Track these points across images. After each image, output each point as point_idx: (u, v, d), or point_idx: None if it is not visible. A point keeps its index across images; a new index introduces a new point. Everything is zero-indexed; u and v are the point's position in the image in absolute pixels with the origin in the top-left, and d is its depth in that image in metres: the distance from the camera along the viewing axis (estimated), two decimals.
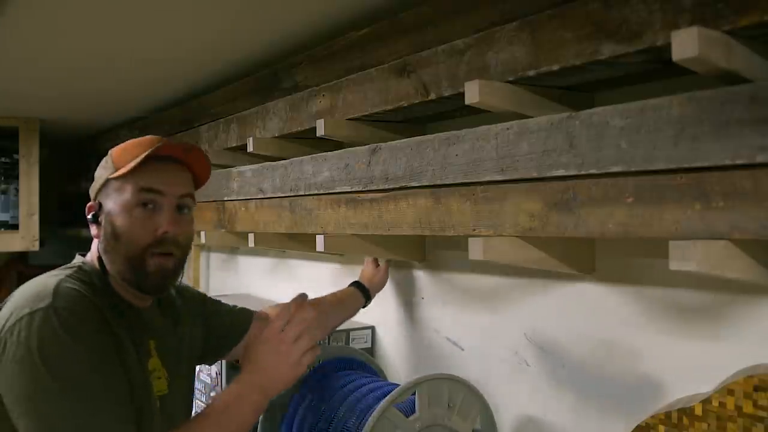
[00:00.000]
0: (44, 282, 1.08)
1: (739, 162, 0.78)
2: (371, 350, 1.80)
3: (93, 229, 1.18)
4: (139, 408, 1.09)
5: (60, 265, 1.18)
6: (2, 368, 1.01)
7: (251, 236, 1.89)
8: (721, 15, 0.81)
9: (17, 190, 3.25)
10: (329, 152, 1.55)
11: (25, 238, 3.24)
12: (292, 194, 1.68)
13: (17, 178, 3.25)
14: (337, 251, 1.70)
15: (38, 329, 1.00)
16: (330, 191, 1.53)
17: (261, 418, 1.54)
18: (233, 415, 1.11)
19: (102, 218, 1.16)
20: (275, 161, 1.76)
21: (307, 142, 1.81)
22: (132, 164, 1.12)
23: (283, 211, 1.73)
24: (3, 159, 3.32)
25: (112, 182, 1.15)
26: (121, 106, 2.76)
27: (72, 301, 1.05)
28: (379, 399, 1.28)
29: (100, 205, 1.17)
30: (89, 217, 1.19)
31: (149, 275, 1.13)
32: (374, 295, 1.66)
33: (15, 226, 3.24)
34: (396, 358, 1.73)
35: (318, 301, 1.54)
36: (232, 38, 1.74)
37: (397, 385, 1.35)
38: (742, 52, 0.82)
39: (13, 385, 1.00)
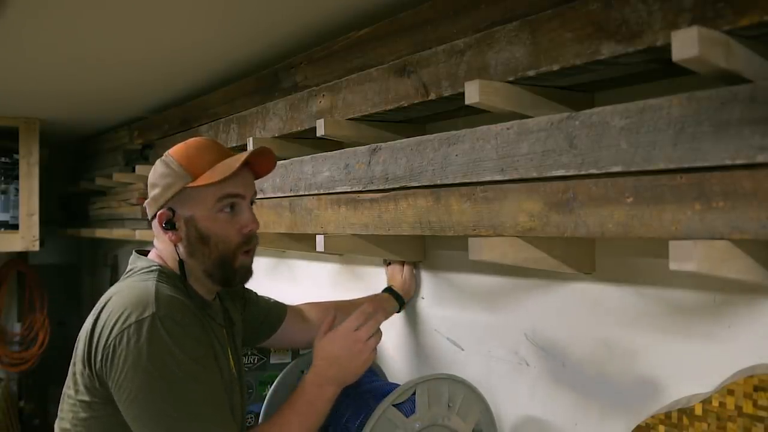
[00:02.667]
0: (143, 288, 1.15)
1: (739, 162, 0.78)
2: None
3: (170, 235, 1.22)
4: (230, 400, 1.20)
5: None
6: (114, 373, 1.09)
7: None
8: (721, 15, 0.81)
9: (17, 190, 3.25)
10: (329, 152, 1.55)
11: (25, 238, 3.24)
12: (292, 194, 1.68)
13: (17, 178, 3.25)
14: (337, 251, 1.70)
15: (147, 338, 1.08)
16: (330, 191, 1.53)
17: (260, 419, 1.54)
18: (313, 405, 1.23)
19: (180, 224, 1.21)
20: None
21: (307, 142, 1.81)
22: (223, 174, 1.16)
23: (283, 211, 1.73)
24: (3, 159, 3.32)
25: (189, 190, 1.20)
26: (121, 106, 2.76)
27: (173, 309, 1.13)
28: (379, 399, 1.28)
29: (173, 212, 1.21)
30: (164, 224, 1.22)
31: (237, 271, 1.24)
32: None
33: (15, 226, 3.24)
34: (396, 358, 1.73)
35: (354, 304, 1.55)
36: (232, 38, 1.74)
37: (397, 385, 1.34)
38: (742, 52, 0.82)
39: (126, 389, 1.09)
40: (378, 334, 1.31)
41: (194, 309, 1.19)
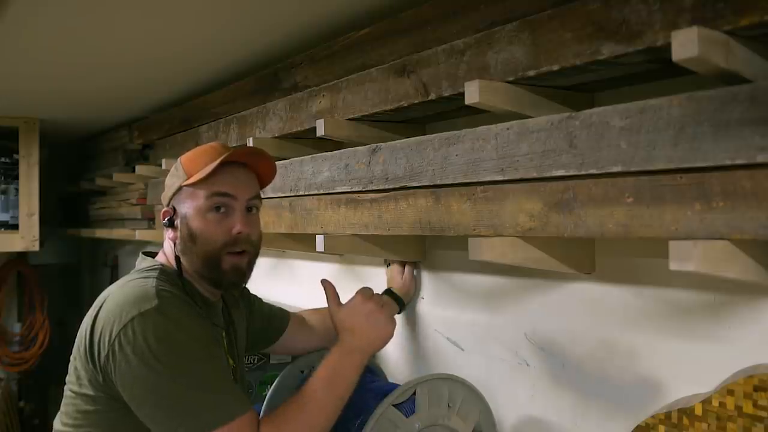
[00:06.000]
0: (142, 285, 1.17)
1: (739, 162, 0.78)
2: None
3: (169, 233, 1.26)
4: None
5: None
6: (120, 366, 1.10)
7: None
8: (721, 15, 0.81)
9: (17, 190, 3.25)
10: (329, 152, 1.55)
11: (25, 238, 3.24)
12: (292, 194, 1.68)
13: (17, 178, 3.25)
14: (337, 251, 1.70)
15: (153, 328, 1.10)
16: (330, 191, 1.53)
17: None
18: (340, 376, 1.21)
19: (177, 222, 1.24)
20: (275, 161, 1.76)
21: (307, 142, 1.81)
22: (205, 172, 1.19)
23: (283, 211, 1.73)
24: (3, 159, 3.32)
25: (184, 189, 1.23)
26: (121, 106, 2.76)
27: (174, 303, 1.15)
28: (379, 399, 1.28)
29: (174, 210, 1.25)
30: (164, 221, 1.26)
31: (225, 272, 1.23)
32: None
33: (15, 226, 3.24)
34: (396, 358, 1.73)
35: None
36: (232, 38, 1.74)
37: (397, 385, 1.34)
38: (742, 52, 0.82)
39: (136, 380, 1.10)
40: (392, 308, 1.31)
41: (193, 305, 1.20)
